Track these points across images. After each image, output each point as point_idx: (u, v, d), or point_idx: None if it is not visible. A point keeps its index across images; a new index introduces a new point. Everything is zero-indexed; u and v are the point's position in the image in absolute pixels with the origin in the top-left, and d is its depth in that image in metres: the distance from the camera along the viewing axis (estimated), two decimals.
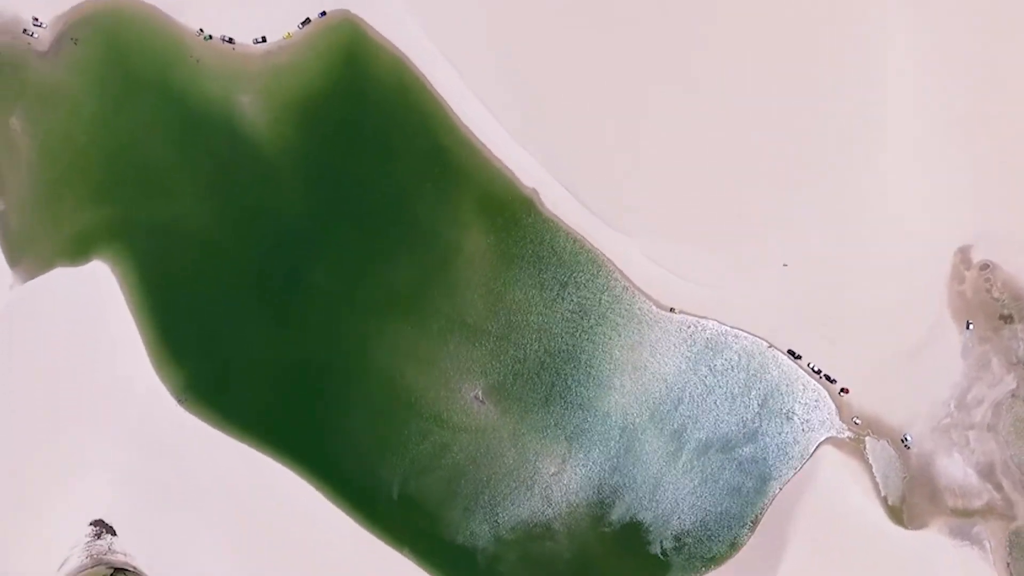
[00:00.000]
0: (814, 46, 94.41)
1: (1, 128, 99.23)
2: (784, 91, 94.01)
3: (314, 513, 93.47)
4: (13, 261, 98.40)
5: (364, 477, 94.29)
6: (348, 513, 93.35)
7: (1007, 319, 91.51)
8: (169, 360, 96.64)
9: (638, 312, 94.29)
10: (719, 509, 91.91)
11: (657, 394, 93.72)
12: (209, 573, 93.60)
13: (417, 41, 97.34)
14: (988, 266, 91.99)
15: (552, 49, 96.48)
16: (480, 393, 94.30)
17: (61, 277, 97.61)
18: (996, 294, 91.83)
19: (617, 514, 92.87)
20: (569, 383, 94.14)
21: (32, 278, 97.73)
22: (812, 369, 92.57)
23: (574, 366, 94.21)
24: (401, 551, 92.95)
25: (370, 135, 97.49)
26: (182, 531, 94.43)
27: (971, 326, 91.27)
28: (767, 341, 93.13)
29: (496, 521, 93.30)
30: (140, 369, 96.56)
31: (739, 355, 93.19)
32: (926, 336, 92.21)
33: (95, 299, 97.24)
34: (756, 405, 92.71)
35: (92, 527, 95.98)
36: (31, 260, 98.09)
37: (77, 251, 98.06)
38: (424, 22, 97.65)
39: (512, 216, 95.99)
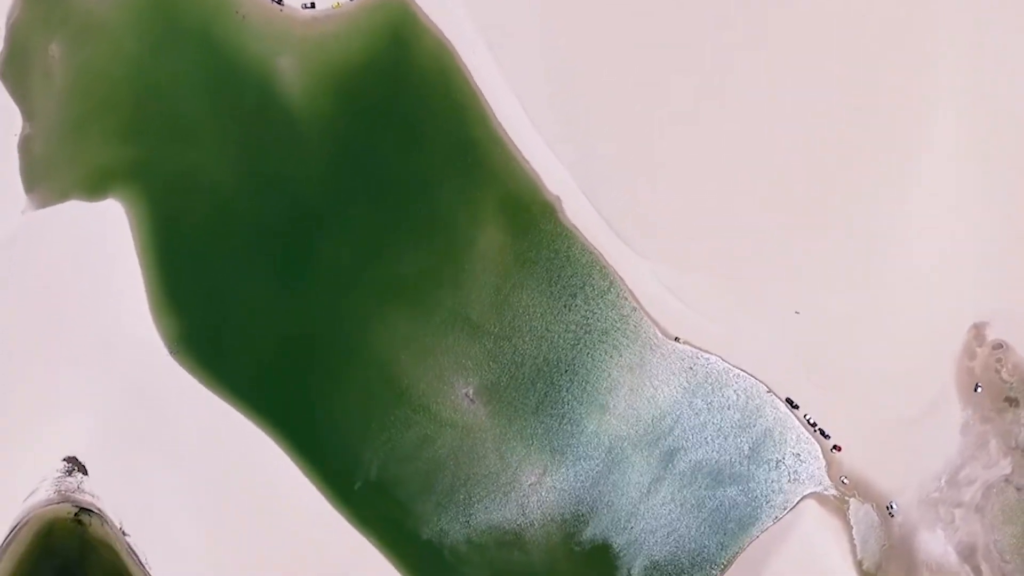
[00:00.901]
0: (860, 97, 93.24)
1: (40, 53, 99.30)
2: (824, 138, 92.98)
3: (288, 485, 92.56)
4: (29, 187, 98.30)
5: (342, 456, 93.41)
6: (320, 489, 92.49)
7: (1012, 402, 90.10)
8: (167, 309, 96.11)
9: (642, 335, 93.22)
10: (693, 546, 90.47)
11: (649, 420, 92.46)
12: (173, 526, 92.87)
13: (465, 31, 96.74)
14: (1002, 346, 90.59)
15: (599, 63, 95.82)
16: (472, 391, 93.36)
17: (74, 210, 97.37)
18: (1005, 376, 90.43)
19: (590, 533, 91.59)
20: (562, 395, 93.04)
21: (45, 206, 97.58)
22: (808, 421, 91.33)
23: (570, 379, 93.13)
24: (367, 536, 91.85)
25: (402, 117, 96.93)
26: (153, 482, 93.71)
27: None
28: (767, 386, 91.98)
29: (467, 521, 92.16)
30: (137, 314, 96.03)
31: (737, 395, 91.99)
32: (927, 407, 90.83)
33: (104, 237, 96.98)
34: (747, 448, 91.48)
35: (65, 463, 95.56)
36: (47, 188, 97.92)
37: (94, 187, 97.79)
38: (476, 14, 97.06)
39: (531, 220, 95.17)
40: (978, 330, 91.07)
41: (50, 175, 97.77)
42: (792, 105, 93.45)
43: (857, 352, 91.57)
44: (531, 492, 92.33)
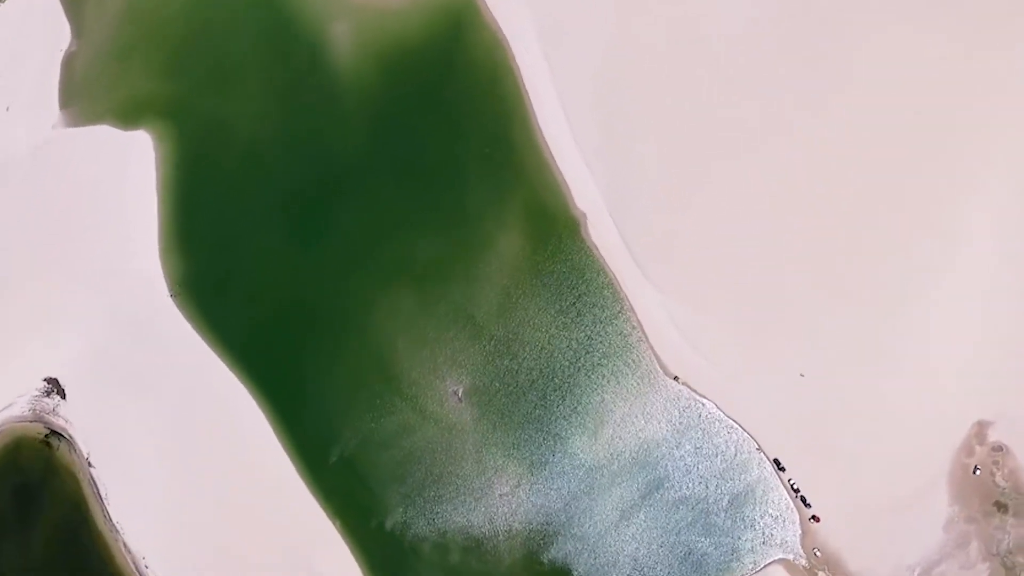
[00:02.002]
0: (906, 177, 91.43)
1: None
2: (863, 211, 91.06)
3: (260, 449, 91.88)
4: (64, 103, 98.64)
5: (320, 429, 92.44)
6: (292, 458, 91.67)
7: (1002, 508, 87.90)
8: (176, 250, 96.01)
9: (643, 367, 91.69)
10: None
11: (633, 453, 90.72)
12: (138, 466, 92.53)
13: (524, 32, 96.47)
14: (1002, 449, 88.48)
15: (650, 92, 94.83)
16: (462, 390, 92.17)
17: (103, 134, 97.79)
18: (1000, 480, 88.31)
19: (553, 555, 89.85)
20: (551, 411, 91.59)
21: (76, 126, 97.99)
22: (792, 486, 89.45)
23: (562, 396, 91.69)
24: (328, 512, 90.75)
25: (445, 104, 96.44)
26: (128, 419, 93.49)
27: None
28: (757, 442, 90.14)
29: (433, 520, 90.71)
30: (145, 249, 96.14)
31: (726, 445, 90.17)
32: (915, 495, 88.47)
33: (127, 167, 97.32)
34: (726, 500, 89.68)
35: (45, 383, 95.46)
36: (82, 108, 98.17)
37: (128, 116, 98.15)
38: (538, 17, 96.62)
39: (554, 231, 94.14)
40: (981, 428, 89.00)
41: (87, 96, 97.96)
42: (837, 172, 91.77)
43: (854, 426, 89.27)
44: (502, 502, 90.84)
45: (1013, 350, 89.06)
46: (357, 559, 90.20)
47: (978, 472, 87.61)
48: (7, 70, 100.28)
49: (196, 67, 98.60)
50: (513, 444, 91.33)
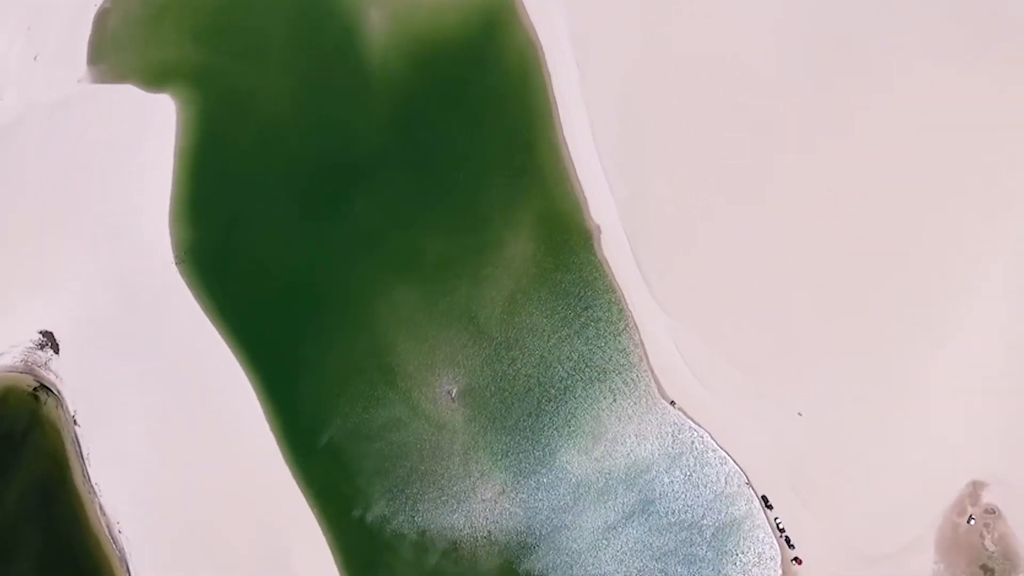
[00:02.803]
0: (922, 230, 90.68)
1: None
2: (877, 259, 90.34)
3: (248, 428, 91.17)
4: (93, 59, 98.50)
5: (309, 413, 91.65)
6: (277, 440, 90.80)
7: (987, 572, 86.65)
8: (187, 218, 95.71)
9: (640, 388, 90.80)
10: None
11: (622, 473, 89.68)
12: (122, 430, 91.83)
13: (559, 38, 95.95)
14: (994, 512, 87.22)
15: (679, 114, 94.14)
16: (456, 391, 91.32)
17: (127, 95, 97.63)
18: (988, 543, 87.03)
19: (529, 566, 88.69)
20: (544, 421, 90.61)
21: (102, 83, 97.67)
22: (777, 525, 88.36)
23: (556, 407, 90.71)
24: (308, 496, 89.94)
25: (472, 101, 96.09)
26: (118, 381, 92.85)
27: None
28: (747, 477, 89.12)
29: (412, 517, 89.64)
30: (156, 214, 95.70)
31: (717, 476, 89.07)
32: (901, 549, 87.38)
33: (147, 130, 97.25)
34: (710, 532, 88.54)
35: (40, 335, 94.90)
36: (110, 66, 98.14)
37: (155, 78, 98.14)
38: (575, 25, 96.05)
39: (566, 240, 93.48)
40: (976, 488, 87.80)
41: (116, 54, 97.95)
42: (857, 215, 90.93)
43: (846, 473, 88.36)
44: (484, 508, 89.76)
45: (1016, 414, 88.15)
46: (332, 548, 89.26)
47: (972, 522, 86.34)
48: (39, 18, 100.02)
49: (228, 38, 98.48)
50: (502, 450, 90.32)
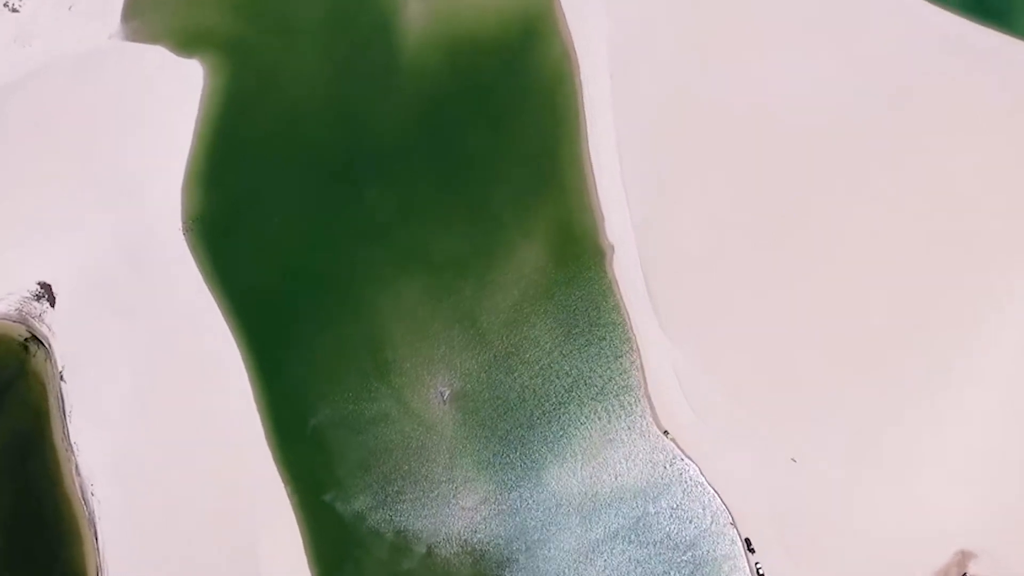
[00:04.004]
0: (945, 286, 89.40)
1: None
2: (892, 317, 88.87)
3: (235, 405, 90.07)
4: (127, 16, 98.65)
5: (299, 398, 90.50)
6: (264, 422, 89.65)
7: None
8: (200, 186, 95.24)
9: (635, 413, 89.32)
10: None
11: (607, 498, 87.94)
12: (107, 393, 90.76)
13: (597, 51, 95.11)
14: None
15: (711, 150, 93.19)
16: (448, 393, 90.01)
17: (158, 56, 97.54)
18: None
19: None
20: (535, 435, 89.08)
21: (133, 41, 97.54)
22: (758, 570, 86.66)
23: (549, 422, 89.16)
24: (286, 481, 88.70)
25: (499, 104, 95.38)
26: (110, 343, 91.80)
27: None
28: (732, 518, 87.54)
29: (390, 516, 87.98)
30: (170, 179, 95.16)
31: (703, 513, 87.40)
32: None
33: (172, 93, 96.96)
34: (688, 570, 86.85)
35: (38, 286, 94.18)
36: (143, 25, 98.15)
37: (188, 43, 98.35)
38: (614, 41, 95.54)
39: (579, 256, 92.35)
40: (963, 558, 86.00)
41: (151, 13, 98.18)
42: (874, 279, 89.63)
43: (833, 527, 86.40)
44: (463, 515, 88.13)
45: (1012, 487, 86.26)
46: (304, 537, 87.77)
47: None
48: None
49: (265, 12, 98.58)
50: (488, 460, 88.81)
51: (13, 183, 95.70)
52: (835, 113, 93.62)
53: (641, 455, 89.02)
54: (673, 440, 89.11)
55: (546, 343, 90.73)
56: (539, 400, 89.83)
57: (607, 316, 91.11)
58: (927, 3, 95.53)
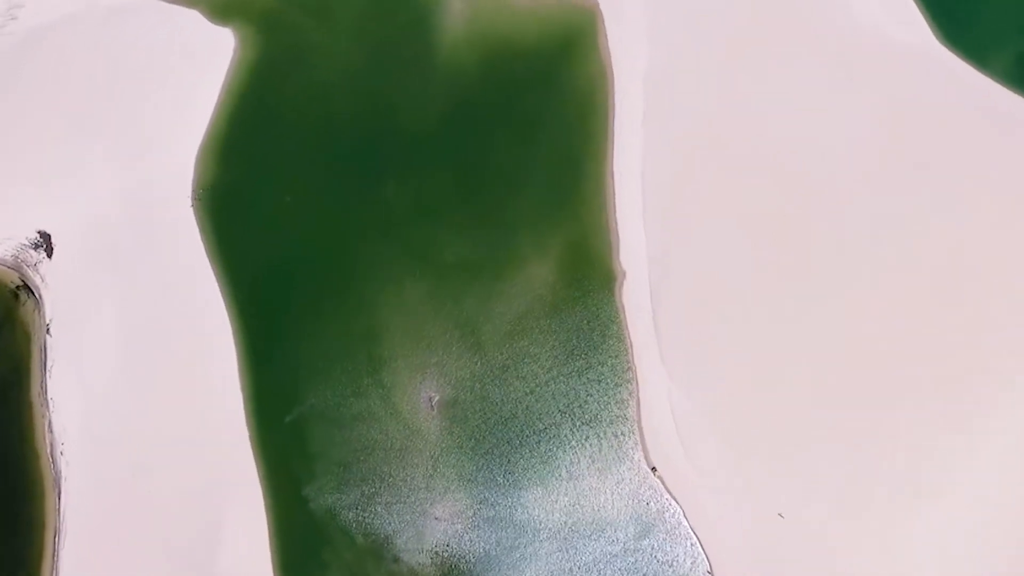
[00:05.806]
0: (958, 352, 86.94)
1: None
2: (904, 382, 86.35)
3: (220, 384, 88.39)
4: None
5: (285, 385, 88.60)
6: (246, 404, 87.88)
7: None
8: (216, 156, 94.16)
9: (626, 445, 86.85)
10: None
11: (588, 530, 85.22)
12: (93, 351, 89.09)
13: (634, 73, 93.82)
14: None
15: (739, 196, 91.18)
16: (437, 399, 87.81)
17: (191, 19, 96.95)
18: None
19: None
20: (521, 454, 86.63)
21: (169, 1, 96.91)
22: None
23: (536, 442, 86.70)
24: (260, 467, 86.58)
25: (528, 112, 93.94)
26: (101, 303, 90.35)
27: None
28: (711, 567, 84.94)
29: (361, 517, 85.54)
30: (186, 144, 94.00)
31: (684, 557, 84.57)
32: None
33: (201, 59, 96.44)
34: None
35: (37, 234, 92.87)
36: None
37: (224, 11, 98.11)
38: (653, 70, 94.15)
39: (589, 278, 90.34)
40: None
41: None
42: (887, 346, 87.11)
43: None
44: (436, 527, 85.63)
45: (1001, 551, 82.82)
46: (269, 525, 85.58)
47: None
48: None
49: None
50: (470, 473, 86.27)
51: (25, 126, 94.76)
52: (863, 171, 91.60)
53: (627, 488, 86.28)
54: (660, 478, 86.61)
55: (545, 360, 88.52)
56: (530, 418, 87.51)
57: (610, 342, 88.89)
58: (969, 67, 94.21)
